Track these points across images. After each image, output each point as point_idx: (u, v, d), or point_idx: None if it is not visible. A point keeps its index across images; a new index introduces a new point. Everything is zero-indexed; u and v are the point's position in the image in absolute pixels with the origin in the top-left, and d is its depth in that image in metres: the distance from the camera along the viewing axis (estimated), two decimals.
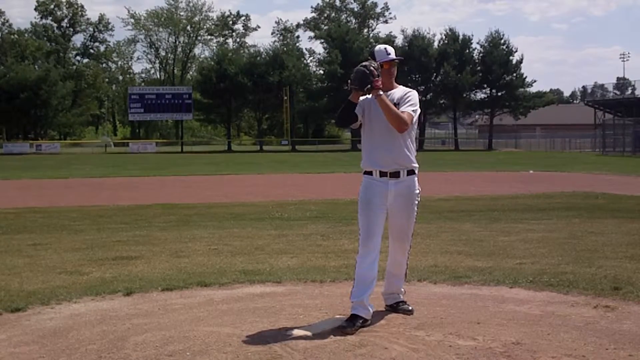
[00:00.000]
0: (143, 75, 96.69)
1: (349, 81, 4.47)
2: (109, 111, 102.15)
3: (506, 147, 68.48)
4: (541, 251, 7.44)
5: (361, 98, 4.55)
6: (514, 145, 70.39)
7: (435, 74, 69.76)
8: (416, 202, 4.70)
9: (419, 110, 4.59)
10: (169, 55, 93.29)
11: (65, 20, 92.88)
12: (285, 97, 68.69)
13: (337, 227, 9.69)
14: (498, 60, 67.98)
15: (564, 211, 11.61)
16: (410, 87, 4.79)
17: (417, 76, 68.50)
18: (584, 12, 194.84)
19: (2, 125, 71.45)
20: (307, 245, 8.09)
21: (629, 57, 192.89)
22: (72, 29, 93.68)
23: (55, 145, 65.95)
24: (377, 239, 4.55)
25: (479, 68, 69.45)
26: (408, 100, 4.55)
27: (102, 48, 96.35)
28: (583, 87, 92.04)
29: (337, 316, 4.68)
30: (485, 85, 70.56)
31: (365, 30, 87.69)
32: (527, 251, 7.45)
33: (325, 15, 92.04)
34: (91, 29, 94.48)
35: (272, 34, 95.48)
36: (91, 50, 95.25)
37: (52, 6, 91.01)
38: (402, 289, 4.95)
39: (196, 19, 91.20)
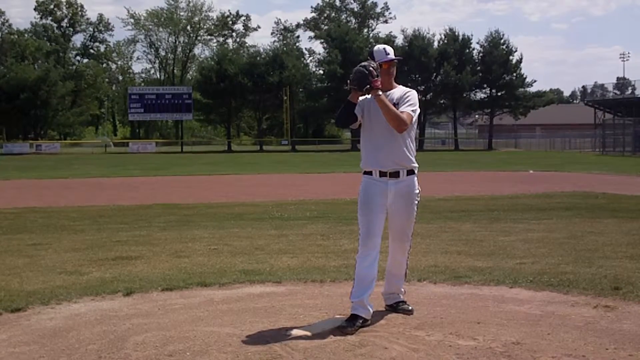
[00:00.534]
0: (143, 75, 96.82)
1: (349, 81, 4.47)
2: (109, 111, 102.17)
3: (506, 147, 68.52)
4: (541, 251, 7.44)
5: (361, 98, 4.55)
6: (514, 145, 70.44)
7: (435, 74, 69.81)
8: (416, 202, 4.70)
9: (418, 110, 4.59)
10: (169, 55, 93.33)
11: (65, 20, 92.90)
12: (285, 97, 68.71)
13: (337, 227, 9.68)
14: (498, 60, 68.05)
15: (564, 211, 11.61)
16: (410, 87, 4.79)
17: (417, 76, 68.54)
18: (583, 11, 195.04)
19: (2, 126, 71.44)
20: (307, 245, 8.09)
21: (629, 57, 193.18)
22: (72, 29, 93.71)
23: (55, 145, 65.98)
24: (377, 239, 4.55)
25: (478, 68, 69.51)
26: (407, 100, 4.55)
27: (102, 48, 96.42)
28: (583, 87, 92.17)
29: (337, 316, 4.68)
30: (485, 85, 70.62)
31: (365, 30, 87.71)
32: (527, 251, 7.45)
33: (325, 15, 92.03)
34: (91, 29, 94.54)
35: (271, 34, 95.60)
36: (91, 50, 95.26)
37: (51, 6, 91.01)
38: (402, 289, 4.95)
39: (196, 19, 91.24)
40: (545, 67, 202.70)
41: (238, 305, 5.14)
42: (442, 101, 73.41)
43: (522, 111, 70.29)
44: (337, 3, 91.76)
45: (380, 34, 78.99)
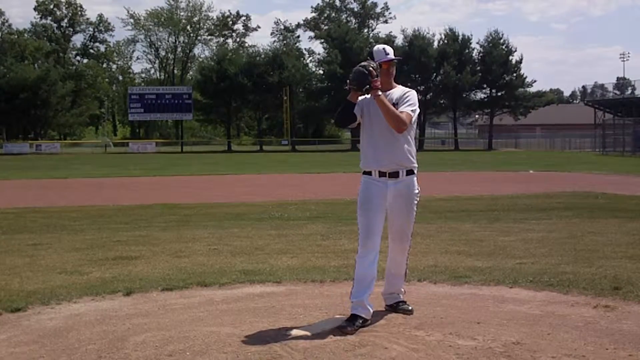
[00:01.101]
0: (143, 75, 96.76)
1: (348, 81, 4.47)
2: (109, 111, 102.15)
3: (506, 147, 68.53)
4: (541, 251, 7.44)
5: (360, 98, 4.55)
6: (514, 145, 70.45)
7: (435, 74, 69.83)
8: (415, 202, 4.70)
9: (417, 110, 4.59)
10: (169, 55, 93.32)
11: (65, 20, 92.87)
12: (285, 97, 68.72)
13: (337, 227, 9.68)
14: (498, 60, 68.07)
15: (564, 211, 11.61)
16: (410, 87, 4.79)
17: (417, 76, 68.53)
18: (583, 12, 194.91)
19: (2, 125, 71.46)
20: (307, 245, 8.09)
21: (629, 57, 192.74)
22: (71, 29, 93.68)
23: (55, 145, 65.98)
24: (376, 239, 4.55)
25: (478, 68, 69.51)
26: (407, 100, 4.54)
27: (102, 48, 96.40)
28: (583, 87, 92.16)
29: (337, 316, 4.68)
30: (485, 85, 70.63)
31: (365, 30, 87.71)
32: (527, 251, 7.45)
33: (325, 15, 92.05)
34: (91, 29, 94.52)
35: (271, 34, 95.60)
36: (91, 51, 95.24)
37: (51, 6, 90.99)
38: (402, 289, 4.95)
39: (196, 18, 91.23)
40: (545, 67, 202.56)
41: (238, 305, 5.14)
42: (442, 101, 73.41)
43: (522, 111, 70.31)
44: (337, 3, 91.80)
45: (380, 34, 79.08)
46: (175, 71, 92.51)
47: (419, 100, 4.72)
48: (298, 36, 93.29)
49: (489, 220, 10.44)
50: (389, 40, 68.66)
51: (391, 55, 4.62)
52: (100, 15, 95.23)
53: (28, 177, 24.76)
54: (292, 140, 69.51)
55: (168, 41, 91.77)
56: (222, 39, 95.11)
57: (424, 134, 73.99)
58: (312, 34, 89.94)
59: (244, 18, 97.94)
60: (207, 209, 12.55)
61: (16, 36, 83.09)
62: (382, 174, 4.57)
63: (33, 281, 6.07)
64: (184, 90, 70.11)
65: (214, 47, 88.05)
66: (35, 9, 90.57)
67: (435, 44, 70.76)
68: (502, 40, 70.17)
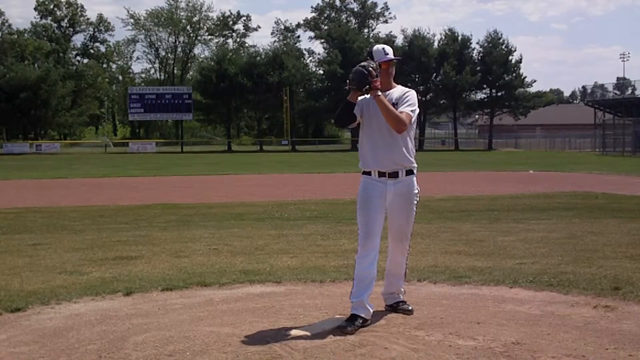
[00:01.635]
0: (143, 75, 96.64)
1: (348, 81, 4.47)
2: (109, 111, 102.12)
3: (506, 147, 68.51)
4: (541, 251, 7.44)
5: (360, 98, 4.55)
6: (514, 145, 70.43)
7: (435, 74, 69.81)
8: (415, 202, 4.70)
9: (417, 110, 4.59)
10: (169, 55, 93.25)
11: (65, 20, 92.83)
12: (285, 97, 68.70)
13: (337, 227, 9.69)
14: (497, 60, 68.04)
15: (564, 211, 11.61)
16: (410, 87, 4.79)
17: (417, 76, 68.54)
18: (583, 12, 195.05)
19: (2, 125, 71.44)
20: (307, 245, 8.09)
21: (629, 57, 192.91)
22: (72, 29, 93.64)
23: (55, 145, 65.96)
24: (376, 239, 4.55)
25: (478, 68, 69.47)
26: (406, 100, 4.54)
27: (102, 48, 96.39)
28: (583, 87, 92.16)
29: (337, 316, 4.68)
30: (484, 85, 70.59)
31: (365, 30, 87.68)
32: (527, 251, 7.45)
33: (325, 15, 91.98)
34: (91, 29, 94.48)
35: (271, 34, 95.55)
36: (91, 51, 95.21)
37: (51, 6, 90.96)
38: (402, 289, 4.95)
39: (196, 18, 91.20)
40: (545, 67, 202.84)
41: (238, 305, 5.14)
42: (442, 101, 73.38)
43: (522, 111, 70.29)
44: (337, 3, 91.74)
45: (380, 34, 79.02)
46: (175, 71, 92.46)
47: (418, 100, 4.71)
48: (298, 36, 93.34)
49: (489, 220, 10.44)
50: (389, 40, 68.63)
51: (390, 55, 4.62)
52: (100, 15, 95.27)
53: (28, 177, 24.76)
54: (292, 140, 69.47)
55: (168, 41, 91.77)
56: (222, 39, 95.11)
57: (424, 134, 73.97)
58: (312, 34, 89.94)
59: (244, 18, 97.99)
60: (207, 209, 12.55)
61: (16, 36, 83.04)
62: (381, 174, 4.57)
63: (33, 281, 6.07)
64: (184, 90, 70.05)
65: (214, 47, 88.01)
66: (35, 9, 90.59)
67: (435, 44, 70.76)
68: (501, 40, 70.16)
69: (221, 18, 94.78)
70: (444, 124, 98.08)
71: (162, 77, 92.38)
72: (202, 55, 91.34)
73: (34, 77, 66.23)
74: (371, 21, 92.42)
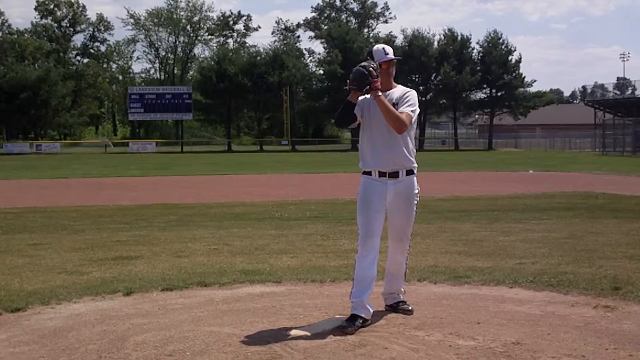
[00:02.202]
0: (143, 75, 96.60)
1: (348, 81, 4.46)
2: (109, 111, 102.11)
3: (506, 147, 68.52)
4: (541, 251, 7.44)
5: (360, 98, 4.54)
6: (514, 145, 70.44)
7: (435, 74, 69.84)
8: (415, 202, 4.69)
9: (417, 110, 4.59)
10: (169, 55, 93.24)
11: (66, 20, 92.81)
12: (285, 97, 68.70)
13: (337, 227, 9.68)
14: (497, 60, 68.13)
15: (564, 211, 11.61)
16: (410, 87, 4.78)
17: (417, 76, 68.56)
18: (583, 12, 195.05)
19: (2, 125, 71.42)
20: (307, 245, 8.09)
21: (629, 57, 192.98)
22: (72, 29, 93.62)
23: (55, 145, 65.97)
24: (376, 239, 4.54)
25: (478, 68, 69.53)
26: (407, 100, 4.54)
27: (102, 48, 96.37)
28: (583, 87, 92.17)
29: (337, 316, 4.68)
30: (484, 85, 70.67)
31: (365, 30, 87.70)
32: (527, 251, 7.45)
33: (326, 15, 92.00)
34: (91, 28, 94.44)
35: (272, 33, 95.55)
36: (91, 50, 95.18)
37: (51, 6, 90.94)
38: (402, 289, 4.95)
39: (196, 18, 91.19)
40: (545, 67, 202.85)
41: (238, 305, 5.14)
42: (442, 101, 73.44)
43: (522, 111, 70.32)
44: (337, 3, 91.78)
45: (380, 34, 79.09)
46: (176, 71, 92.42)
47: (418, 100, 4.71)
48: (298, 36, 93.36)
49: (489, 220, 10.44)
50: (389, 40, 68.66)
51: (391, 55, 4.62)
52: (100, 15, 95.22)
53: (28, 177, 24.76)
54: (292, 140, 69.49)
55: (168, 41, 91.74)
56: (222, 39, 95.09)
57: (424, 134, 73.98)
58: (312, 33, 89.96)
59: (245, 18, 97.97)
60: (207, 209, 12.54)
61: (16, 36, 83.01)
62: (381, 174, 4.56)
63: (33, 281, 6.07)
64: (184, 90, 70.05)
65: (215, 47, 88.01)
66: (35, 9, 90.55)
67: (435, 44, 70.80)
68: (501, 40, 70.26)
69: (222, 18, 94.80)
70: (444, 124, 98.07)
71: (162, 77, 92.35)
72: (202, 55, 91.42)
73: (34, 77, 66.26)
74: (371, 21, 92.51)
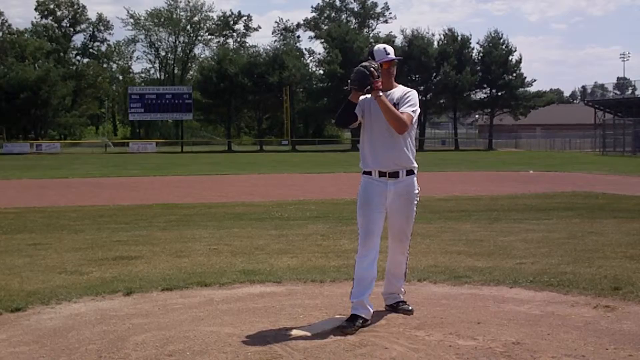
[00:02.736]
0: (143, 75, 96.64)
1: (349, 81, 4.46)
2: (109, 111, 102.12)
3: (506, 147, 68.51)
4: (541, 251, 7.44)
5: (361, 98, 4.54)
6: (514, 145, 70.44)
7: (435, 74, 69.83)
8: (415, 202, 4.69)
9: (418, 111, 4.58)
10: (169, 55, 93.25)
11: (66, 20, 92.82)
12: (285, 97, 68.71)
13: (337, 227, 9.69)
14: (497, 60, 68.10)
15: (564, 211, 11.61)
16: (410, 87, 4.78)
17: (417, 76, 68.55)
18: (583, 12, 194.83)
19: (2, 126, 71.42)
20: (307, 245, 8.09)
21: (629, 57, 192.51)
22: (72, 29, 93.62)
23: (55, 145, 65.92)
24: (376, 239, 4.54)
25: (478, 68, 69.54)
26: (408, 100, 4.54)
27: (102, 48, 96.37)
28: (583, 87, 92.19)
29: (337, 316, 4.68)
30: (485, 85, 70.66)
31: (365, 30, 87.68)
32: (527, 251, 7.45)
33: (325, 15, 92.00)
34: (91, 28, 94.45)
35: (272, 33, 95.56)
36: (91, 50, 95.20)
37: (52, 6, 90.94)
38: (402, 289, 4.95)
39: (196, 18, 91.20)
40: (545, 67, 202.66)
41: (238, 305, 5.14)
42: (442, 101, 73.43)
43: (522, 111, 70.31)
44: (337, 3, 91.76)
45: (380, 34, 79.07)
46: (176, 71, 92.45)
47: (419, 100, 4.71)
48: (298, 36, 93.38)
49: (489, 220, 10.44)
50: (389, 40, 68.60)
51: (392, 55, 4.62)
52: (100, 15, 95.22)
53: (28, 177, 24.76)
54: (292, 140, 69.50)
55: (168, 41, 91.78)
56: (222, 39, 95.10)
57: (424, 134, 73.97)
58: (312, 33, 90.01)
59: (245, 18, 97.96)
60: (207, 209, 12.55)
61: (16, 36, 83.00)
62: (382, 174, 4.56)
63: (33, 281, 6.07)
64: (184, 90, 70.06)
65: (215, 47, 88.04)
66: (35, 9, 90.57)
67: (435, 44, 70.80)
68: (501, 40, 70.22)
69: (222, 18, 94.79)
70: (444, 124, 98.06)
71: (162, 77, 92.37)
72: (202, 55, 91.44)
73: (34, 77, 66.25)
74: (371, 21, 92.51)
